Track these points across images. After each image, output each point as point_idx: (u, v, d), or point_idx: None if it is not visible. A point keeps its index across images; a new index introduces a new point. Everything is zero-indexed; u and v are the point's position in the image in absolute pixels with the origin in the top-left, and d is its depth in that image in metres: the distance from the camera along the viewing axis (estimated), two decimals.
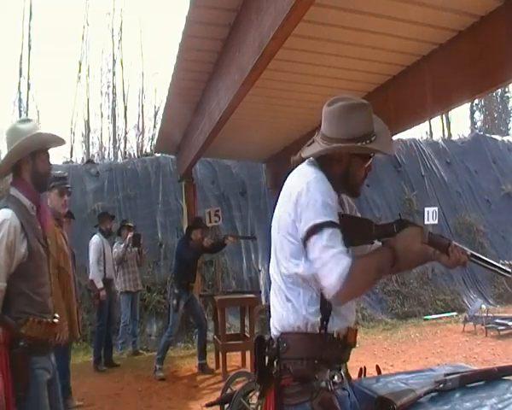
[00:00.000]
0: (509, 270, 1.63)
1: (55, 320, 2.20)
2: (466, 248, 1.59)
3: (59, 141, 2.32)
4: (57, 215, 3.81)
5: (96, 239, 6.44)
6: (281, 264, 1.59)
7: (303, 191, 1.53)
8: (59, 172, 4.25)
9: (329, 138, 1.62)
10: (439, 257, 1.59)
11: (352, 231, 1.56)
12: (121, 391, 5.37)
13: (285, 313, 1.56)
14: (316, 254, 1.47)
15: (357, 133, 1.60)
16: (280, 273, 1.59)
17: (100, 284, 6.14)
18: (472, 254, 1.58)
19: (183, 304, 5.82)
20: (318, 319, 1.51)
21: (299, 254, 1.54)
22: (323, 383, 1.49)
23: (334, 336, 1.53)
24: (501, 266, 1.63)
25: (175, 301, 5.73)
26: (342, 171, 1.65)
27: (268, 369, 1.57)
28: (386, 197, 10.50)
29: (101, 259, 6.30)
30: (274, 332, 1.60)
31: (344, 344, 1.56)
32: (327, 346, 1.51)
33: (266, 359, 1.58)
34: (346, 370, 1.63)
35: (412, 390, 1.64)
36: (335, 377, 1.52)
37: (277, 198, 1.69)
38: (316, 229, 1.48)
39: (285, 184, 1.67)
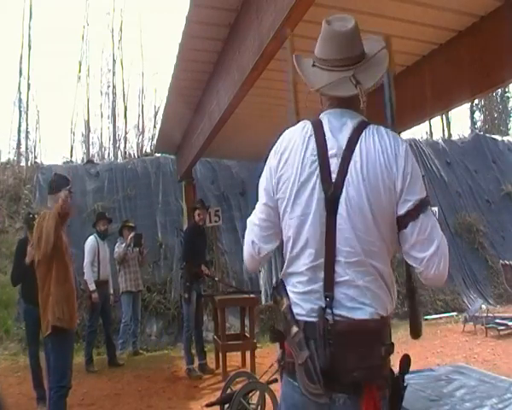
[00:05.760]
0: None
1: None
2: None
3: None
4: None
5: (90, 240, 6.41)
6: (383, 241, 1.35)
7: (407, 159, 1.39)
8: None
9: (350, 59, 1.40)
10: None
11: None
12: (121, 391, 5.37)
13: (385, 296, 1.38)
14: (425, 235, 1.32)
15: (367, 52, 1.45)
16: (381, 252, 1.36)
17: (92, 286, 6.11)
18: None
19: (195, 295, 5.81)
20: None
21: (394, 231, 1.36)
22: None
23: None
24: None
25: (186, 295, 5.73)
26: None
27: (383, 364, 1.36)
28: None
29: (95, 260, 6.27)
30: (370, 317, 1.34)
31: None
32: None
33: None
34: None
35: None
36: None
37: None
38: (424, 206, 1.33)
39: (364, 145, 1.40)
